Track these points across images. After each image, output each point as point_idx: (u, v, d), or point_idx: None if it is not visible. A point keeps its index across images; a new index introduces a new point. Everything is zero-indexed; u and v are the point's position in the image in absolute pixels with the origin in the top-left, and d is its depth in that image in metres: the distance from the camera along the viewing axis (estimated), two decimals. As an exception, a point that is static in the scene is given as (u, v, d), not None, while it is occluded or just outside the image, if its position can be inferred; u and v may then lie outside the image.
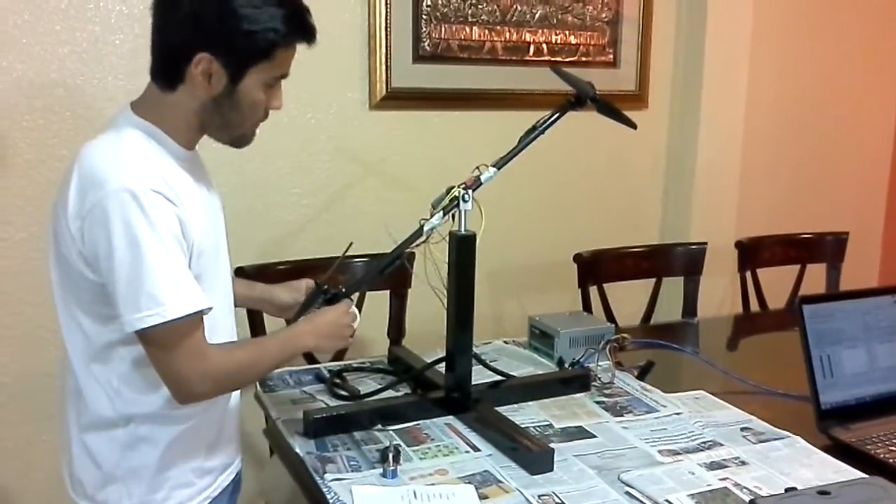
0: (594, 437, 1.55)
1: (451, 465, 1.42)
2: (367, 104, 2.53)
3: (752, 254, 2.68)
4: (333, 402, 1.68)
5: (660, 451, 1.49)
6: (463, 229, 1.59)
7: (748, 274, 2.67)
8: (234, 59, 1.22)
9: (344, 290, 1.54)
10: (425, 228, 1.57)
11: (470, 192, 1.58)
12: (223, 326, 1.34)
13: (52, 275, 1.27)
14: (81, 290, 1.22)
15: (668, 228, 3.07)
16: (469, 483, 1.36)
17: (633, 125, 1.73)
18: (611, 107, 1.71)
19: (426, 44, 2.56)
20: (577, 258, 2.42)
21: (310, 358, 2.18)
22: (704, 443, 1.53)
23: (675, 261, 2.60)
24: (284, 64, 1.28)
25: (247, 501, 2.27)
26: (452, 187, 1.60)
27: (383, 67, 2.51)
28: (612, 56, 2.89)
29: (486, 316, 2.73)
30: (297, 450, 1.47)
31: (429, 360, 1.79)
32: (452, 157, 2.66)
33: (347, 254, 1.62)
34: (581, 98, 1.67)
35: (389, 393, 1.71)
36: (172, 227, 1.18)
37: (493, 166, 1.61)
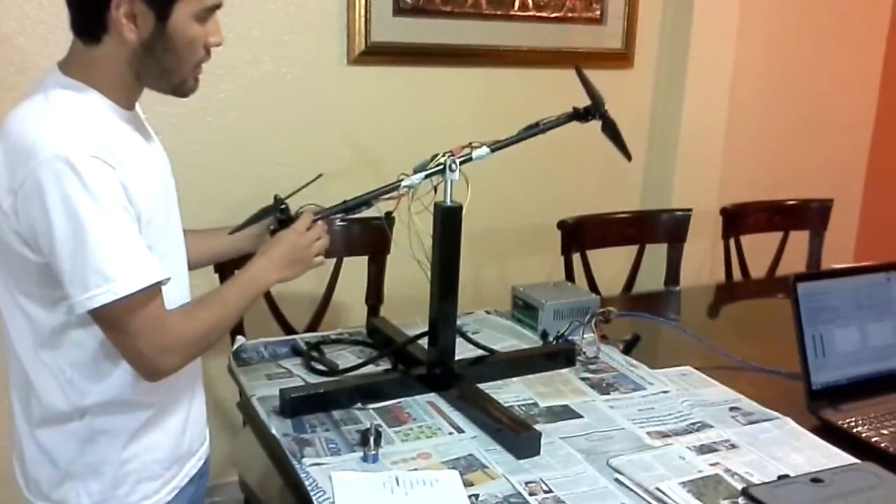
0: (581, 417, 1.51)
1: (434, 449, 1.37)
2: (346, 59, 2.43)
3: (737, 221, 2.64)
4: (310, 378, 1.61)
5: (648, 433, 1.45)
6: (449, 200, 1.52)
7: (731, 241, 2.63)
8: None
9: (300, 210, 1.42)
10: (403, 184, 1.49)
11: (457, 161, 1.50)
12: (177, 299, 1.23)
13: None
14: (23, 272, 1.12)
15: (649, 193, 3.02)
16: (453, 468, 1.31)
17: (628, 156, 1.67)
18: (615, 129, 1.64)
19: (408, -4, 2.45)
20: (562, 225, 2.36)
21: (287, 329, 2.12)
22: (693, 424, 1.49)
23: (659, 227, 2.55)
24: None
25: (218, 471, 2.22)
26: (437, 154, 1.53)
27: (362, 21, 2.40)
28: (598, 12, 2.81)
29: (466, 281, 2.65)
30: (274, 431, 1.40)
31: (408, 331, 1.73)
32: (434, 115, 2.58)
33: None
34: (590, 110, 1.61)
35: (369, 368, 1.65)
36: (116, 195, 1.07)
37: (488, 147, 1.53)
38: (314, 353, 1.71)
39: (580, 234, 2.39)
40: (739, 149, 3.10)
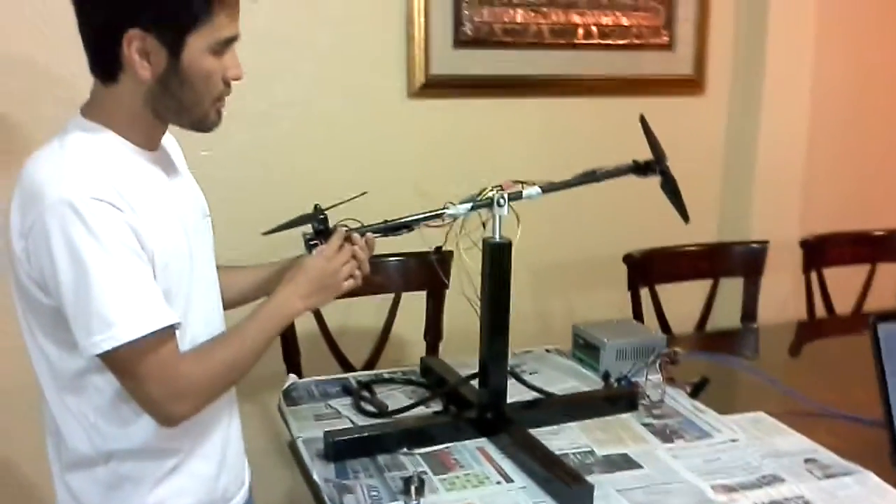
0: (640, 467, 1.41)
1: (479, 499, 1.30)
2: (406, 93, 2.40)
3: (819, 253, 2.48)
4: (359, 419, 1.57)
5: (712, 487, 1.34)
6: (497, 236, 1.46)
7: (814, 275, 2.48)
8: (167, 29, 1.08)
9: (337, 226, 1.38)
10: (447, 212, 1.45)
11: (506, 195, 1.44)
12: None
13: (16, 303, 1.16)
14: (41, 315, 1.11)
15: (726, 224, 2.87)
16: (499, 522, 1.24)
17: (686, 217, 1.62)
18: (675, 187, 1.59)
19: (467, 28, 2.41)
20: (627, 259, 2.26)
21: (345, 365, 2.09)
22: (763, 477, 1.37)
23: (734, 260, 2.42)
24: (229, 24, 1.12)
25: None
26: (486, 188, 1.48)
27: (422, 53, 2.37)
28: (667, 38, 2.70)
29: (529, 315, 2.60)
30: (315, 476, 1.36)
31: (463, 371, 1.67)
32: (495, 147, 2.52)
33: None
34: (650, 164, 1.56)
35: (419, 410, 1.59)
36: (123, 238, 1.05)
37: (540, 187, 1.48)
38: (364, 393, 1.67)
39: (648, 268, 2.28)
40: (822, 175, 2.93)
